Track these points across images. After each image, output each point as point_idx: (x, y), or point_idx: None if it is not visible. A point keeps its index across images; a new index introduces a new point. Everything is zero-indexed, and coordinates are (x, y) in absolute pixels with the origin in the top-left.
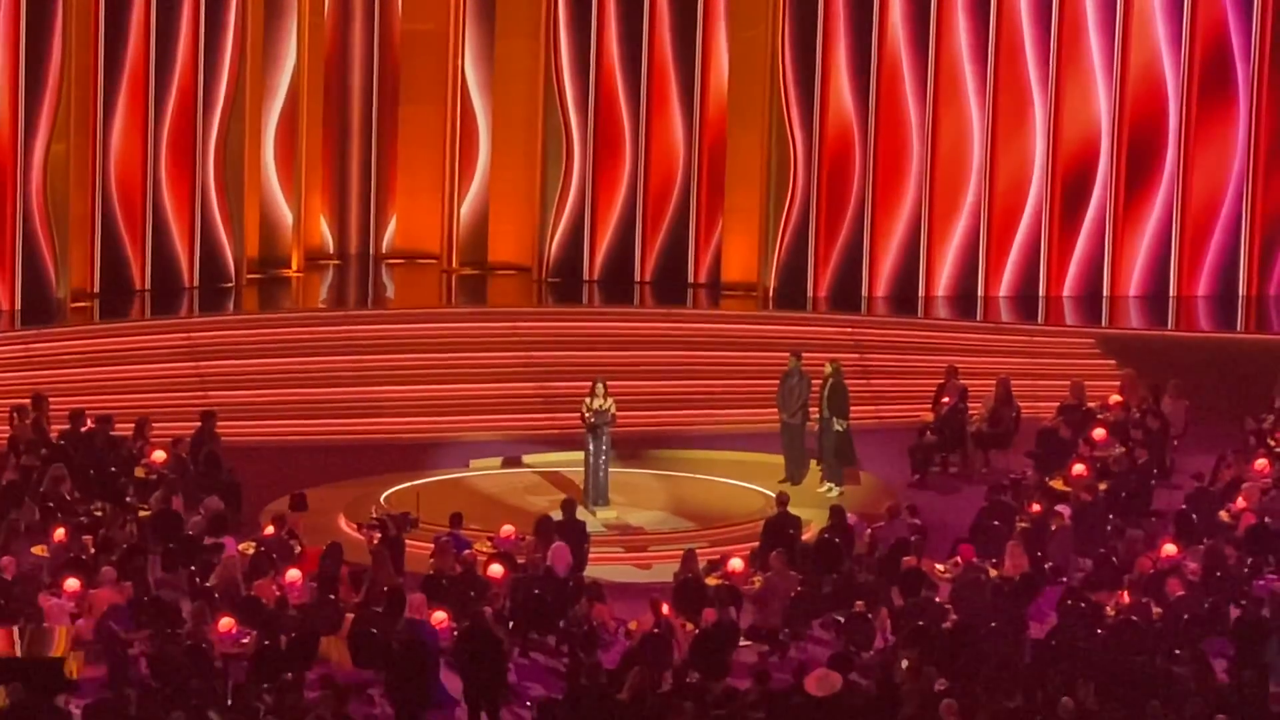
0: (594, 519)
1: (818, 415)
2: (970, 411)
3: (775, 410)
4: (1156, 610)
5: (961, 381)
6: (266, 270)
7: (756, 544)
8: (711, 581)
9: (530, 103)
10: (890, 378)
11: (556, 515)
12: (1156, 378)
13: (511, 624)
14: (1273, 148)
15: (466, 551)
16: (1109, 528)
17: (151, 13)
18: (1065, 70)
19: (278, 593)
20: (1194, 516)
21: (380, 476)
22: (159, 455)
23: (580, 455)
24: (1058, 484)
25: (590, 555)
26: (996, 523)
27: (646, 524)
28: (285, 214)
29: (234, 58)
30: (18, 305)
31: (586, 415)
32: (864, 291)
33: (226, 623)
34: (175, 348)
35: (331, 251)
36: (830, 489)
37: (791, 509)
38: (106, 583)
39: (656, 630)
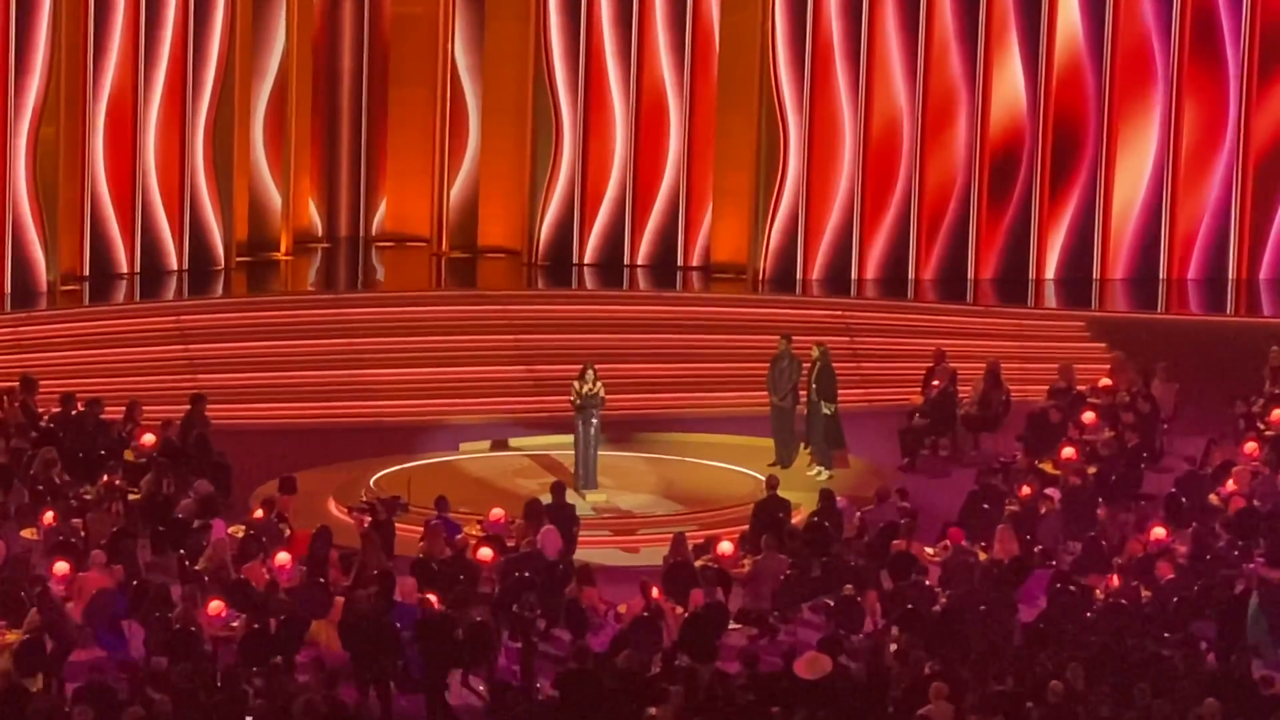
0: (583, 502)
1: (806, 398)
2: (960, 395)
3: (765, 393)
4: (1146, 593)
5: (951, 365)
6: (256, 253)
7: (746, 527)
8: (701, 564)
9: (520, 86)
10: (880, 361)
11: (546, 498)
12: (1146, 361)
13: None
14: (1261, 131)
15: (458, 536)
16: (1099, 511)
17: None
18: (1053, 52)
19: (267, 576)
20: (1184, 500)
21: (370, 460)
22: (149, 438)
23: (570, 438)
24: (1047, 467)
25: (580, 538)
26: (986, 506)
27: (636, 507)
28: (274, 197)
29: (223, 40)
30: (7, 289)
31: (575, 400)
32: (854, 274)
33: (216, 606)
34: (165, 331)
35: (321, 234)
36: (819, 472)
37: (781, 492)
38: (96, 566)
39: (646, 613)
